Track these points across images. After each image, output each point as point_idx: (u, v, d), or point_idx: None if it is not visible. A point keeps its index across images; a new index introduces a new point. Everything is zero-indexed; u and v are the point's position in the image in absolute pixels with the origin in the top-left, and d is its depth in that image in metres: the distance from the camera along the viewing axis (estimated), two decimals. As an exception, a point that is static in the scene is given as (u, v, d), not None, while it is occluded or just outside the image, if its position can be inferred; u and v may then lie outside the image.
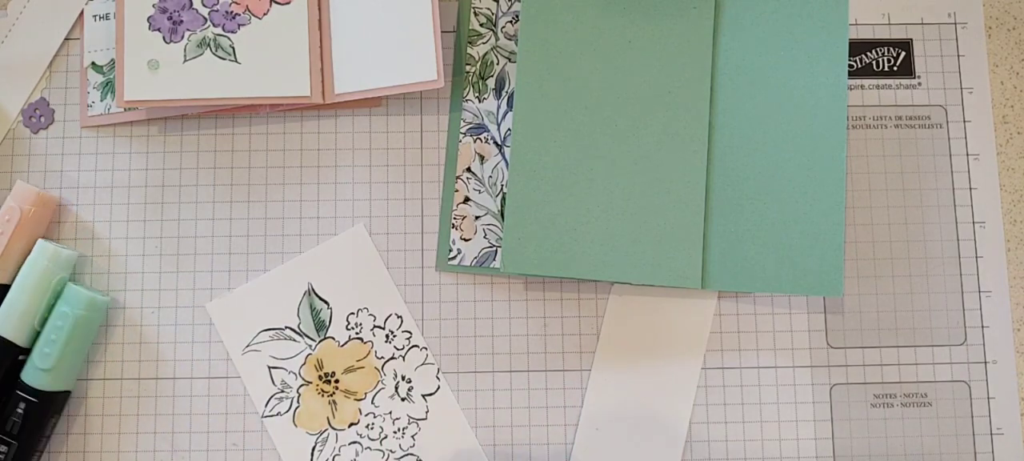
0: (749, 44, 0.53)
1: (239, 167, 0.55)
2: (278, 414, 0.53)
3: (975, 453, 0.53)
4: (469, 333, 0.54)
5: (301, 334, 0.53)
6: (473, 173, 0.54)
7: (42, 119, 0.55)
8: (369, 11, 0.54)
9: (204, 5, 0.53)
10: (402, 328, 0.53)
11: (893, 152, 0.56)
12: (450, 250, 0.54)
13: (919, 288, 0.55)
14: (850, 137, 0.56)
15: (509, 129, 0.54)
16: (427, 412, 0.53)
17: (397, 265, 0.54)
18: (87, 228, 0.54)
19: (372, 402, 0.53)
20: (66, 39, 0.56)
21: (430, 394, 0.53)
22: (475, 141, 0.55)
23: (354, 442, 0.52)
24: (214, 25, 0.53)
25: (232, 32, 0.53)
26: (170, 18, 0.53)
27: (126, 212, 0.54)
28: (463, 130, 0.55)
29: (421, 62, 0.53)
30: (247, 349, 0.53)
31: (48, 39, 0.56)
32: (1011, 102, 0.56)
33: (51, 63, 0.56)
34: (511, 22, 0.56)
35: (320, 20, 0.54)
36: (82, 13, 0.56)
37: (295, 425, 0.52)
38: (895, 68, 0.56)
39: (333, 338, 0.53)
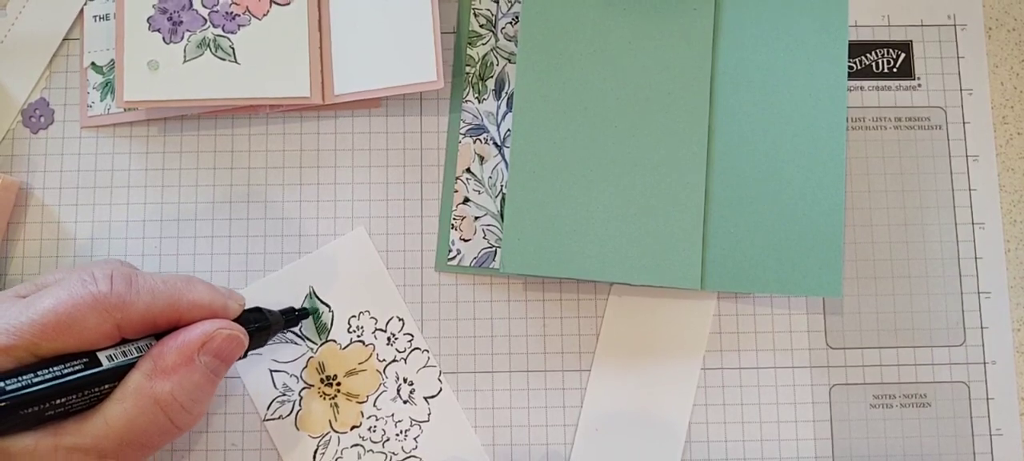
0: (749, 44, 0.53)
1: (239, 168, 0.55)
2: (280, 417, 0.53)
3: (974, 454, 0.53)
4: (468, 333, 0.54)
5: (303, 337, 0.53)
6: (473, 174, 0.54)
7: (42, 119, 0.55)
8: (369, 12, 0.54)
9: (204, 6, 0.53)
10: (404, 331, 0.53)
11: (893, 153, 0.56)
12: (450, 250, 0.54)
13: (918, 289, 0.55)
14: (850, 138, 0.56)
15: (509, 130, 0.54)
16: (429, 414, 0.53)
17: (396, 265, 0.54)
18: (86, 229, 0.54)
19: (374, 404, 0.53)
20: (66, 39, 0.56)
21: (432, 396, 0.53)
22: (475, 142, 0.55)
23: (356, 444, 0.52)
24: (214, 26, 0.53)
25: (232, 33, 0.53)
26: (170, 19, 0.53)
27: (126, 212, 0.54)
28: (463, 131, 0.55)
29: (421, 63, 0.53)
30: (248, 352, 0.53)
31: (48, 39, 0.56)
32: (1011, 103, 0.56)
33: (51, 63, 0.56)
34: (511, 23, 0.56)
35: (320, 21, 0.54)
36: (82, 13, 0.56)
37: (297, 428, 0.52)
38: (895, 70, 0.56)
39: (335, 341, 0.53)
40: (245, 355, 0.47)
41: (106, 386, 0.43)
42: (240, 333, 0.46)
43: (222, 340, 0.45)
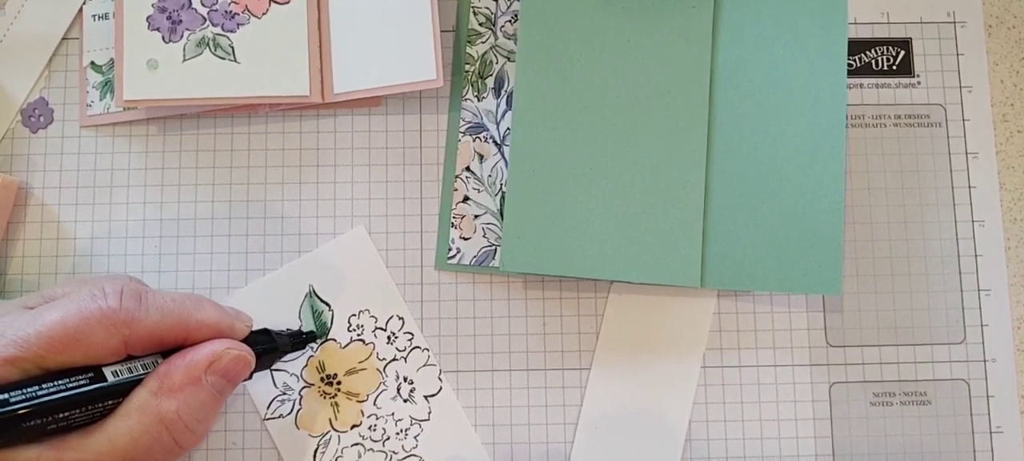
0: (748, 43, 0.53)
1: (239, 167, 0.55)
2: (280, 416, 0.53)
3: (974, 451, 0.53)
4: (468, 332, 0.54)
5: (303, 336, 0.53)
6: (472, 172, 0.54)
7: (41, 119, 0.55)
8: (368, 11, 0.54)
9: (203, 5, 0.53)
10: (404, 330, 0.53)
11: (892, 151, 0.56)
12: (449, 249, 0.54)
13: (918, 287, 0.55)
14: (849, 136, 0.56)
15: (508, 128, 0.54)
16: (429, 413, 0.53)
17: (396, 264, 0.54)
18: (86, 228, 0.54)
19: (374, 403, 0.53)
20: (65, 38, 0.56)
21: (432, 395, 0.53)
22: (474, 140, 0.55)
23: (356, 443, 0.52)
24: (213, 25, 0.53)
25: (231, 32, 0.53)
26: (169, 18, 0.53)
27: (125, 212, 0.54)
28: (462, 129, 0.55)
29: (420, 61, 0.53)
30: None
31: (47, 39, 0.55)
32: (1011, 101, 0.56)
33: (50, 62, 0.56)
34: (510, 21, 0.56)
35: (319, 20, 0.54)
36: (81, 12, 0.56)
37: (297, 427, 0.52)
38: (894, 67, 0.56)
39: (335, 340, 0.53)
40: (250, 377, 0.47)
41: (111, 402, 0.43)
42: (247, 354, 0.46)
43: (229, 360, 0.45)
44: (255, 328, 0.49)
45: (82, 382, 0.42)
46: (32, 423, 0.40)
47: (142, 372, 0.44)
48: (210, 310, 0.46)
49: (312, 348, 0.53)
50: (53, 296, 0.44)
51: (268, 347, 0.49)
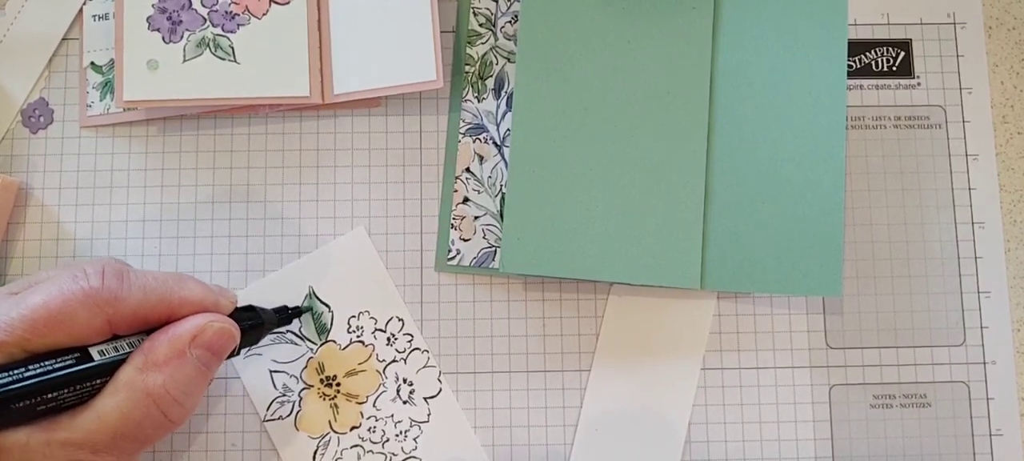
0: (748, 44, 0.53)
1: (239, 167, 0.55)
2: (280, 418, 0.52)
3: (974, 454, 0.53)
4: (468, 334, 0.54)
5: (302, 337, 0.53)
6: (472, 173, 0.54)
7: (41, 119, 0.55)
8: (369, 11, 0.54)
9: (203, 5, 0.53)
10: (403, 331, 0.53)
11: (892, 152, 0.56)
12: (449, 250, 0.54)
13: (918, 288, 0.55)
14: (849, 137, 0.56)
15: (508, 129, 0.54)
16: (429, 415, 0.53)
17: (396, 265, 0.54)
18: (86, 229, 0.54)
19: (374, 405, 0.53)
20: (65, 39, 0.56)
21: (432, 397, 0.53)
22: (474, 141, 0.55)
23: (356, 445, 0.52)
24: (213, 25, 0.53)
25: (231, 32, 0.53)
26: (169, 18, 0.53)
27: (126, 212, 0.54)
28: (462, 130, 0.55)
29: (420, 62, 0.53)
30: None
31: (47, 39, 0.55)
32: (1011, 102, 0.56)
33: (50, 63, 0.56)
34: (510, 22, 0.55)
35: (319, 20, 0.54)
36: (81, 13, 0.56)
37: (297, 429, 0.52)
38: (894, 68, 0.56)
39: (334, 341, 0.53)
40: (238, 353, 0.47)
41: (98, 381, 0.43)
42: (231, 326, 0.46)
43: (213, 333, 0.45)
44: (240, 305, 0.49)
45: (68, 363, 0.42)
46: (20, 405, 0.40)
47: (128, 350, 0.44)
48: (194, 287, 0.46)
49: (311, 349, 0.53)
50: (37, 281, 0.44)
51: (253, 322, 0.49)
